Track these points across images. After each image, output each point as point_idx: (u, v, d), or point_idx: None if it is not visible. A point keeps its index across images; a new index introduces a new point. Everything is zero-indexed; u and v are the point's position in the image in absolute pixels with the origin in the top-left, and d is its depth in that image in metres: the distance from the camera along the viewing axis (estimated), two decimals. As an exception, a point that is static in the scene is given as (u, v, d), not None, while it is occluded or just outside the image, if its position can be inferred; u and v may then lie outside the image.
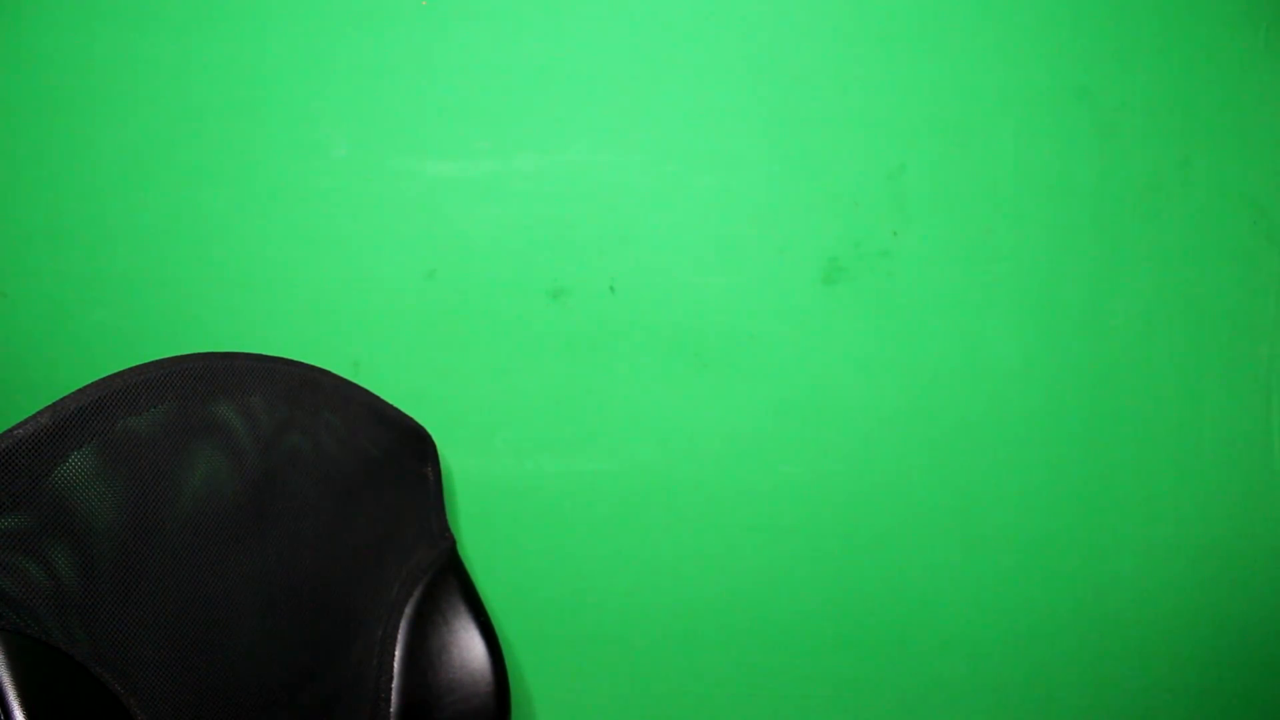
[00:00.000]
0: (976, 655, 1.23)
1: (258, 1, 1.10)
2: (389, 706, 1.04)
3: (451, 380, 1.16)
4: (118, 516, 0.80)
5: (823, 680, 1.24)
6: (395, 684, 1.05)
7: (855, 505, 1.20)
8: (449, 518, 1.16)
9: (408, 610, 1.08)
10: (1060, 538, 1.20)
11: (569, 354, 1.16)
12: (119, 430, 0.81)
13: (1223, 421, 1.19)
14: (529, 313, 1.15)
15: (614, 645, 1.23)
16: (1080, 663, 1.23)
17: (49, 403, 0.76)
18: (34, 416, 0.75)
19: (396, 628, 1.07)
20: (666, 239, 1.14)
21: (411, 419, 1.12)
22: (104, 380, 0.81)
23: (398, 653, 1.06)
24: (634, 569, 1.21)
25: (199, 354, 0.92)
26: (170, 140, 1.12)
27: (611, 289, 1.15)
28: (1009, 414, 1.18)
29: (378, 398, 1.10)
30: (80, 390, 0.79)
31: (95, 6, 1.10)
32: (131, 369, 0.84)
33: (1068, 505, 1.20)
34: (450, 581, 1.11)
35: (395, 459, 1.10)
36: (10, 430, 0.73)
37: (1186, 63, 1.13)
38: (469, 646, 1.08)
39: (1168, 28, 1.12)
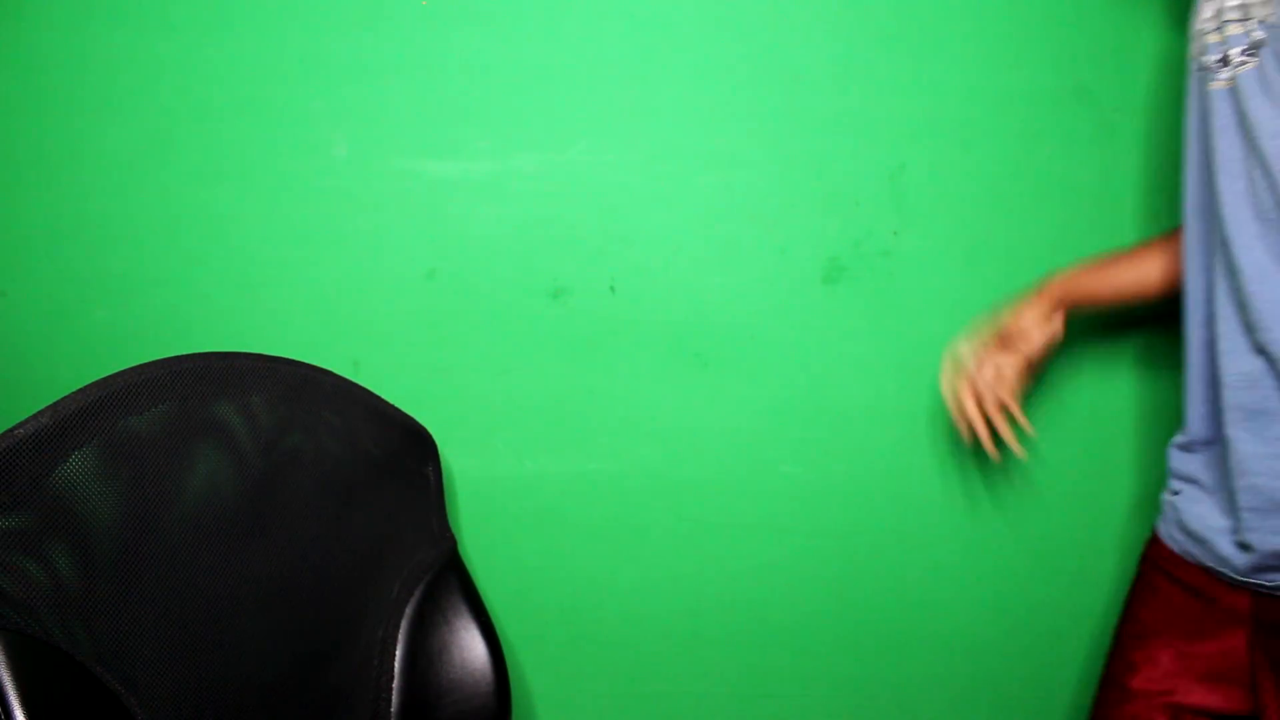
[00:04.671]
0: (976, 655, 1.23)
1: (257, 2, 1.10)
2: (389, 706, 1.04)
3: (451, 380, 1.16)
4: (118, 516, 0.80)
5: (823, 680, 1.24)
6: (396, 683, 1.05)
7: (855, 505, 1.20)
8: (449, 517, 1.16)
9: (408, 610, 1.08)
10: (1060, 537, 1.21)
11: (569, 354, 1.16)
12: (120, 430, 0.81)
13: (1222, 421, 1.19)
14: (529, 313, 1.15)
15: (614, 645, 1.23)
16: (1080, 661, 1.23)
17: (49, 402, 0.76)
18: (35, 416, 0.75)
19: (397, 627, 1.07)
20: (666, 239, 1.14)
21: (412, 419, 1.12)
22: (105, 380, 0.81)
23: (398, 652, 1.06)
24: (634, 569, 1.21)
25: (199, 354, 0.92)
26: (170, 140, 1.12)
27: (612, 289, 1.15)
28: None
29: (378, 397, 1.10)
30: (81, 390, 0.79)
31: (95, 7, 1.10)
32: (132, 369, 0.84)
33: (1067, 505, 1.20)
34: (451, 581, 1.11)
35: (396, 459, 1.10)
36: (11, 430, 0.73)
37: (1187, 63, 1.13)
38: (469, 646, 1.08)
39: (1168, 28, 1.12)
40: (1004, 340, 1.03)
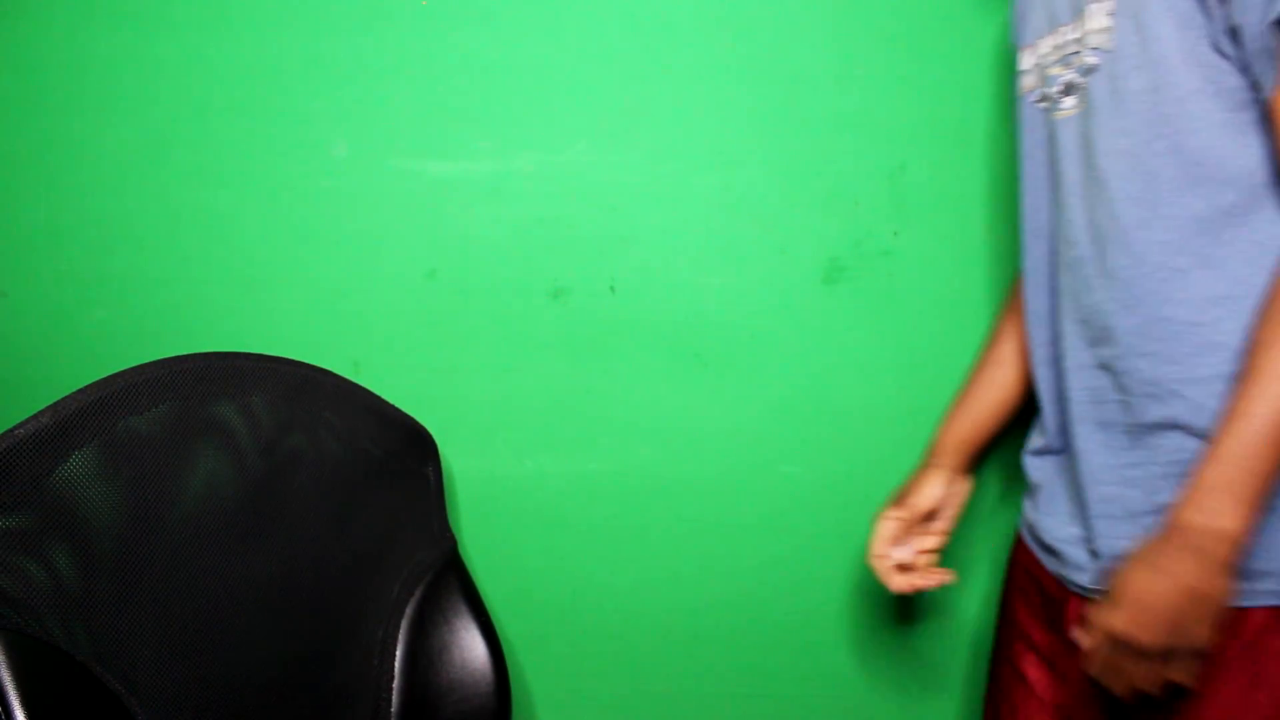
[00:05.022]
0: (977, 655, 1.23)
1: (257, 2, 1.10)
2: (389, 706, 1.04)
3: (451, 380, 1.16)
4: (119, 516, 0.80)
5: (822, 680, 1.24)
6: (396, 683, 1.05)
7: (855, 505, 1.20)
8: (449, 517, 1.16)
9: (408, 610, 1.08)
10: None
11: (569, 354, 1.16)
12: (120, 430, 0.81)
13: (1222, 421, 1.19)
14: (529, 313, 1.15)
15: (614, 645, 1.23)
16: (1080, 662, 1.23)
17: (49, 403, 0.77)
18: (35, 416, 0.75)
19: (397, 628, 1.07)
20: (666, 239, 1.14)
21: (412, 419, 1.12)
22: (105, 380, 0.81)
23: (398, 652, 1.06)
24: (634, 568, 1.21)
25: (199, 354, 0.93)
26: (170, 140, 1.12)
27: (612, 289, 1.15)
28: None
29: (378, 398, 1.10)
30: (81, 390, 0.79)
31: (95, 7, 1.10)
32: (132, 369, 0.84)
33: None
34: (451, 581, 1.12)
35: (396, 459, 1.10)
36: (11, 430, 0.73)
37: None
38: (470, 646, 1.08)
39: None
40: (913, 513, 1.01)
